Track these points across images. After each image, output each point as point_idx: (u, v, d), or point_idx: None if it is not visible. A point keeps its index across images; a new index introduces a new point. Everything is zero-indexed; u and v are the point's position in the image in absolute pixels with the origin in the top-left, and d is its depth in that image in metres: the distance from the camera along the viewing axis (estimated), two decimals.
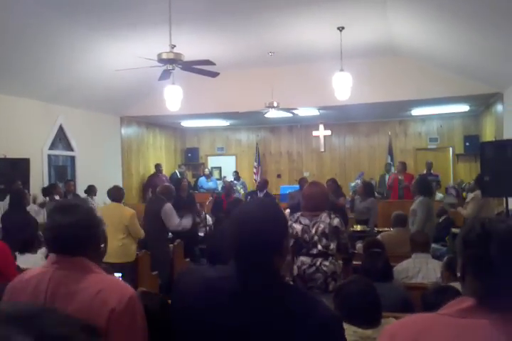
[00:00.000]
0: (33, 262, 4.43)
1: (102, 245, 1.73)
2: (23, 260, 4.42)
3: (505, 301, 1.06)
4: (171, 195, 6.31)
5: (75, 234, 1.62)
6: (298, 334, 1.29)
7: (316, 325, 1.31)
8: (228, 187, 9.05)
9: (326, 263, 3.63)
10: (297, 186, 9.18)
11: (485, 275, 1.08)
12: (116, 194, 5.75)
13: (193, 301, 1.40)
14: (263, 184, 8.89)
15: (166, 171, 12.76)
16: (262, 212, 1.45)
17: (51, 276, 1.59)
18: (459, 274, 1.16)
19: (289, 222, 3.85)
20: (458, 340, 1.05)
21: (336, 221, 3.70)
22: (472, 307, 1.08)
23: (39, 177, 8.54)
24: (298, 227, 3.73)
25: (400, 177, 9.94)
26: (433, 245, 5.54)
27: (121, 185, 10.77)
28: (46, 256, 4.83)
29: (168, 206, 6.02)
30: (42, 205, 7.09)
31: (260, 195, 8.50)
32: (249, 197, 8.96)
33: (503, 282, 1.06)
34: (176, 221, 5.98)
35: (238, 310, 1.32)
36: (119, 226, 5.41)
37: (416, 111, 11.21)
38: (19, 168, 7.71)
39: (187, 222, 6.13)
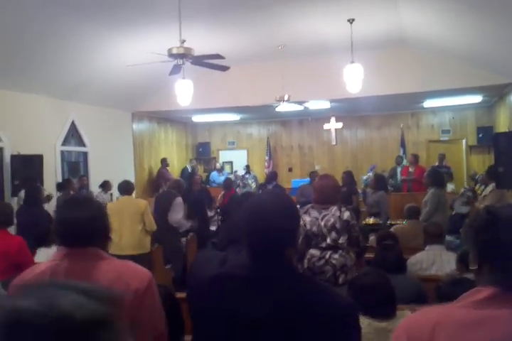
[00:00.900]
0: (48, 256, 4.47)
1: (111, 236, 1.82)
2: (39, 254, 4.46)
3: None
4: (182, 189, 6.42)
5: (93, 226, 1.69)
6: (311, 323, 1.29)
7: (328, 314, 1.30)
8: (228, 182, 9.17)
9: (336, 256, 3.62)
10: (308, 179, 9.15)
11: (501, 260, 1.07)
12: (126, 188, 5.86)
13: (207, 290, 1.41)
14: (272, 176, 8.90)
15: (177, 166, 12.80)
16: (274, 203, 1.45)
17: (67, 267, 1.64)
18: (474, 266, 1.14)
19: (299, 214, 3.83)
20: (477, 332, 1.02)
21: (346, 214, 3.67)
22: (490, 297, 1.05)
23: (52, 173, 8.62)
24: (307, 219, 3.72)
25: (410, 169, 9.89)
26: (447, 237, 5.50)
27: (133, 181, 10.88)
28: None
29: (179, 200, 6.13)
30: (45, 200, 6.80)
31: (269, 187, 8.49)
32: (260, 191, 8.98)
33: None
34: (178, 216, 6.06)
35: (252, 299, 1.32)
36: (135, 218, 5.50)
37: (428, 103, 11.11)
38: (33, 164, 7.78)
39: (186, 224, 6.25)
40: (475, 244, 1.13)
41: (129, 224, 5.45)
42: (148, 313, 1.58)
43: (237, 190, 10.36)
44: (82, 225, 1.67)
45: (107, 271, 1.63)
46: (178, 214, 6.06)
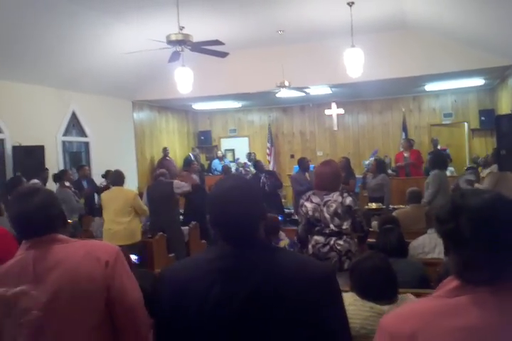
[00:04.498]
0: None
1: (70, 221, 1.82)
2: None
3: (482, 275, 1.05)
4: (167, 177, 6.74)
5: (45, 214, 1.70)
6: (292, 293, 1.30)
7: (308, 281, 1.32)
8: (225, 169, 9.17)
9: (340, 242, 3.63)
10: (312, 166, 9.07)
11: (460, 251, 1.07)
12: (116, 178, 5.93)
13: (187, 288, 1.38)
14: (259, 166, 8.88)
15: (179, 155, 12.79)
16: (234, 184, 1.46)
17: (34, 257, 1.66)
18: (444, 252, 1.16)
19: (301, 201, 3.84)
20: (451, 319, 1.04)
21: (348, 200, 3.67)
22: (458, 286, 1.07)
23: (54, 164, 8.61)
24: (309, 206, 3.72)
25: (405, 154, 9.90)
26: None
27: (135, 170, 10.91)
28: None
29: (176, 181, 6.53)
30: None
31: (261, 175, 8.43)
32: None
33: (476, 256, 1.05)
34: (186, 188, 6.50)
35: (234, 285, 1.32)
36: (124, 209, 5.61)
37: (430, 87, 11.03)
38: (34, 155, 7.77)
39: (185, 185, 6.58)
40: (440, 233, 1.13)
41: (118, 215, 5.57)
42: (120, 282, 1.66)
43: None
44: (33, 215, 1.68)
45: (76, 250, 1.69)
46: (183, 187, 6.43)
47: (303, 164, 8.04)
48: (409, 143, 9.95)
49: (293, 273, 1.34)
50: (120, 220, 5.56)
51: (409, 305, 1.21)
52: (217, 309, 1.32)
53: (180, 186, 6.43)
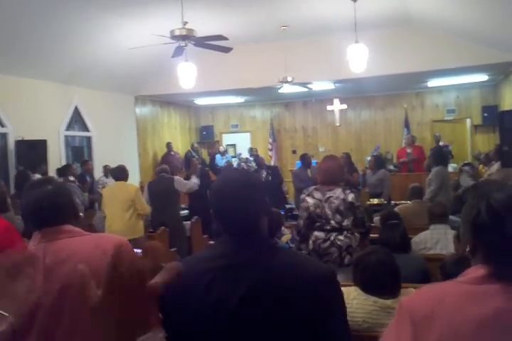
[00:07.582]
0: None
1: (81, 214, 1.84)
2: None
3: None
4: (168, 172, 6.70)
5: (54, 202, 1.73)
6: (293, 292, 1.29)
7: (309, 281, 1.30)
8: (228, 166, 9.17)
9: (341, 237, 3.63)
10: (314, 161, 9.06)
11: (497, 254, 1.08)
12: (119, 173, 5.94)
13: (187, 286, 1.34)
14: (260, 162, 8.96)
15: (181, 150, 12.79)
16: (237, 177, 1.45)
17: (44, 250, 1.67)
18: (467, 249, 1.16)
19: (303, 196, 3.85)
20: (475, 305, 1.05)
21: (350, 196, 3.67)
22: (486, 274, 1.08)
23: (57, 159, 8.64)
24: (310, 201, 3.72)
25: (408, 150, 9.93)
26: (451, 217, 5.52)
27: (137, 165, 10.92)
28: None
29: (177, 177, 6.51)
30: None
31: (263, 172, 8.49)
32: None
33: None
34: (188, 186, 6.46)
35: (233, 283, 1.30)
36: (126, 204, 5.65)
37: (433, 83, 11.01)
38: (37, 149, 7.78)
39: (194, 181, 6.55)
40: (475, 238, 1.13)
41: (120, 210, 5.59)
42: None
43: None
44: (44, 203, 1.71)
45: (85, 244, 1.69)
46: (186, 184, 6.41)
47: (305, 160, 8.04)
48: (412, 139, 10.05)
49: (294, 273, 1.32)
50: (120, 215, 5.59)
51: (431, 286, 1.22)
52: (215, 307, 1.30)
53: (183, 184, 6.39)
